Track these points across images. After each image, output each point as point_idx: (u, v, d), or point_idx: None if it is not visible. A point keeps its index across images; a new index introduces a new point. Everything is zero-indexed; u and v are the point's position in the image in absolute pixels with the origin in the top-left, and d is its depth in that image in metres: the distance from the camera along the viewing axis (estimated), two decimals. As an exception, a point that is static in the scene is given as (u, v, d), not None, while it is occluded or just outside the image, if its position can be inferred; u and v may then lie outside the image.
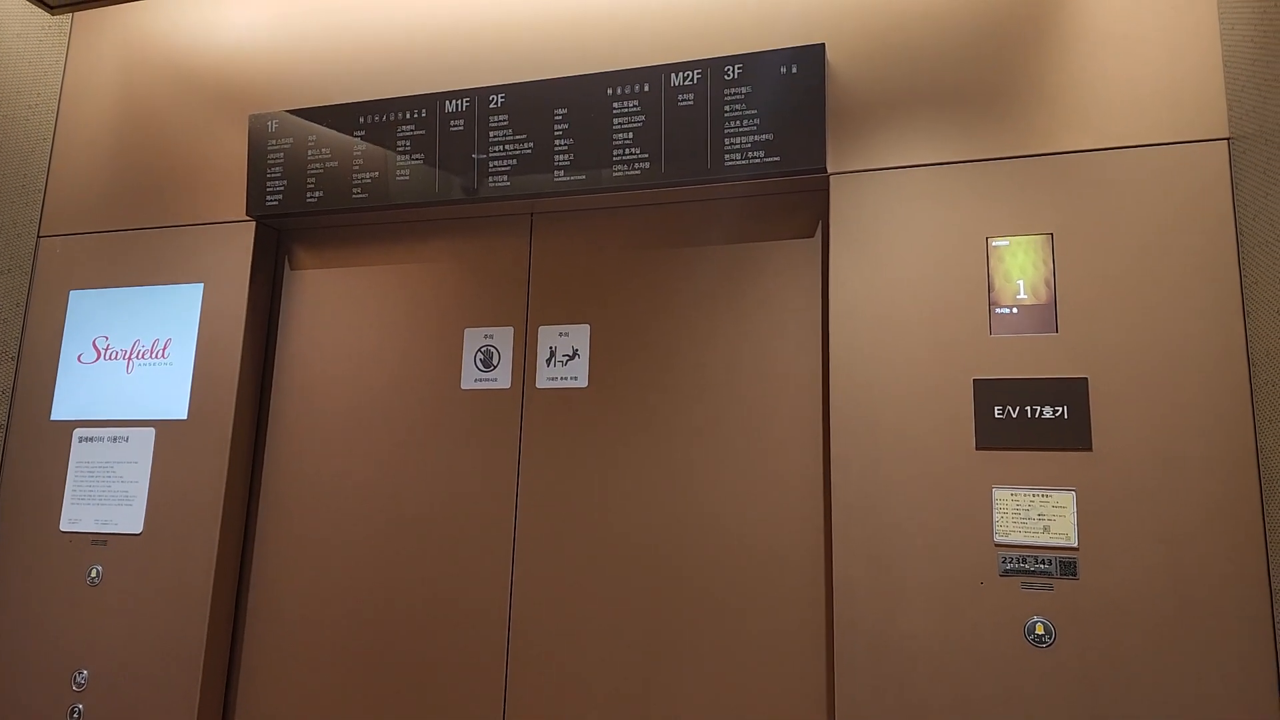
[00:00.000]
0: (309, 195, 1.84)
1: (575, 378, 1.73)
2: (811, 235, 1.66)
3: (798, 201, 1.68)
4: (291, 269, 1.97)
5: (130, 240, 1.98)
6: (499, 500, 1.73)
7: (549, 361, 1.75)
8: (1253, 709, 1.25)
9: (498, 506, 1.73)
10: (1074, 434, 1.39)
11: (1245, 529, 1.30)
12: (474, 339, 1.80)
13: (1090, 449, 1.38)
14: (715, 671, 1.56)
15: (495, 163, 1.72)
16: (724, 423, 1.63)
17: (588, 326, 1.74)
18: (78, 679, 1.79)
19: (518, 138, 1.71)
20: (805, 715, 1.50)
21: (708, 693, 1.55)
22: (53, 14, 2.10)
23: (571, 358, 1.73)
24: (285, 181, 1.86)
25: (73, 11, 2.12)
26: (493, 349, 1.77)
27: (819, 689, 1.50)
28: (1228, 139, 1.40)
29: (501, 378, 1.76)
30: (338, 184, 1.82)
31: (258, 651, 1.80)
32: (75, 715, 1.78)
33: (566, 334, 1.75)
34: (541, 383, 1.74)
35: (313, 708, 1.75)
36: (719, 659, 1.56)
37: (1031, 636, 1.35)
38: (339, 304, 1.91)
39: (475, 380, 1.78)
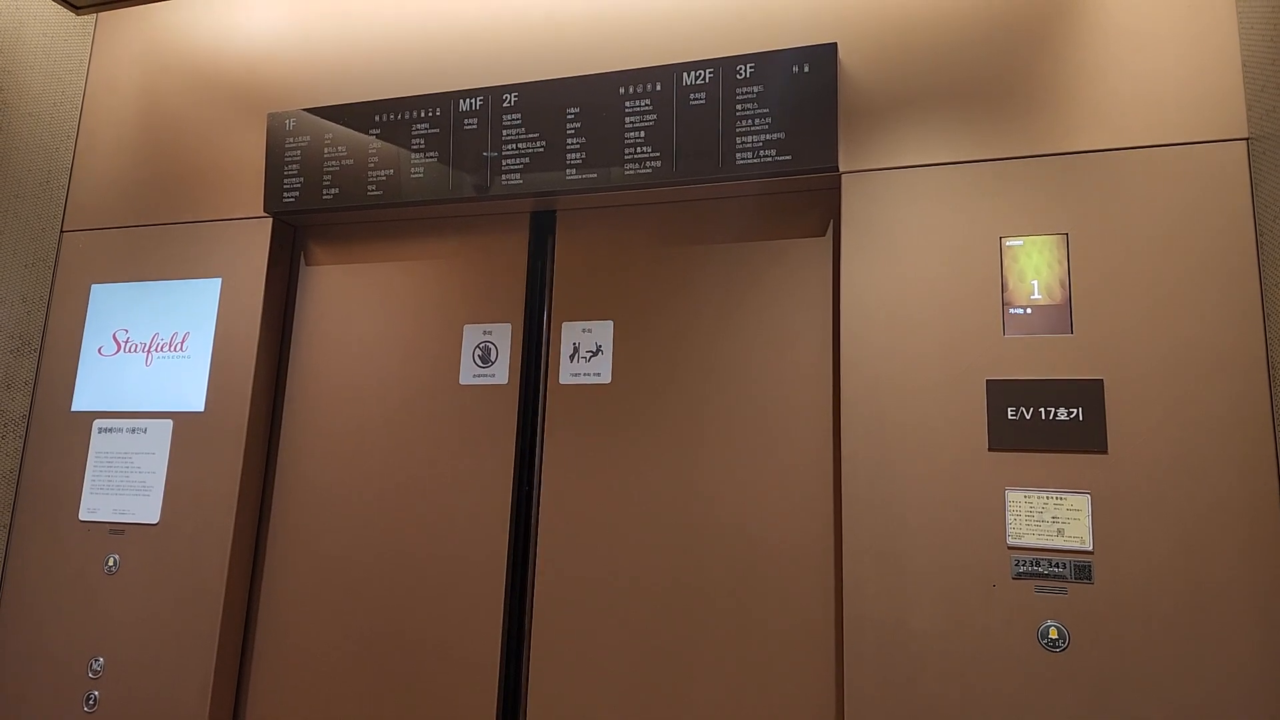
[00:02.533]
0: (325, 192, 1.86)
1: (599, 374, 1.73)
2: (823, 234, 1.66)
3: (809, 200, 1.67)
4: (307, 265, 2.00)
5: (151, 235, 2.02)
6: (500, 491, 1.74)
7: (572, 358, 1.75)
8: (1272, 718, 1.23)
9: (500, 497, 1.74)
10: (1089, 436, 1.37)
11: (1264, 533, 1.27)
12: (473, 335, 1.81)
13: (1106, 451, 1.36)
14: (725, 668, 1.55)
15: (508, 161, 1.73)
16: (736, 420, 1.63)
17: (611, 323, 1.74)
18: (94, 666, 1.82)
19: (530, 136, 1.72)
20: (815, 714, 1.49)
21: (717, 689, 1.55)
22: (78, 14, 2.14)
23: (595, 354, 1.74)
24: (302, 179, 1.88)
25: (97, 12, 2.16)
26: (490, 345, 1.78)
27: (829, 687, 1.50)
28: (1247, 139, 1.37)
29: (499, 373, 1.77)
30: (353, 181, 1.84)
31: (271, 640, 1.82)
32: (91, 702, 1.81)
33: (590, 330, 1.75)
34: (565, 379, 1.74)
35: (325, 696, 1.77)
36: (729, 655, 1.55)
37: (1044, 640, 1.34)
38: (353, 299, 1.93)
39: (474, 376, 1.79)
